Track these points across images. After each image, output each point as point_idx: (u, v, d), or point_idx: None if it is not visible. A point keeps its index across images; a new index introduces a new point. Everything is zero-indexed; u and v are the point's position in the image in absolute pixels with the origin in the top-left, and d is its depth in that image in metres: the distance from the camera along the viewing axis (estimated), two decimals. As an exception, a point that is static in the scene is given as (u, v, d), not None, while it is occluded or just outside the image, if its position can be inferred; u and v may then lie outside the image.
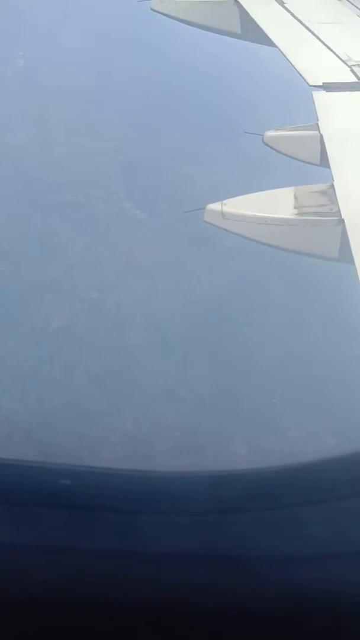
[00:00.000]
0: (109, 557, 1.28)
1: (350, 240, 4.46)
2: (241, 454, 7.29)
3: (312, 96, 5.93)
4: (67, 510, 1.36)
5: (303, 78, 6.19)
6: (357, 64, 6.07)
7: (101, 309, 9.24)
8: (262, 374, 8.39)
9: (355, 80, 5.93)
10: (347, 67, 6.10)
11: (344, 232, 4.60)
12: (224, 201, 5.30)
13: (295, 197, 5.13)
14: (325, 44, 6.43)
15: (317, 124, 5.57)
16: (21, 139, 11.68)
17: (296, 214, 4.98)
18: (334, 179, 4.99)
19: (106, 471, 1.62)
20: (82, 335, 8.93)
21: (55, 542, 1.28)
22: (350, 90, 5.87)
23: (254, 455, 7.01)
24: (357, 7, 7.10)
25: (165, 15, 8.79)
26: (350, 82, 5.94)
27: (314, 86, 6.02)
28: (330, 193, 4.91)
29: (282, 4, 7.46)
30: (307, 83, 6.10)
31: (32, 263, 9.79)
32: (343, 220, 4.64)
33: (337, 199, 4.80)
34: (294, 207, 5.04)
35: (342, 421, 7.34)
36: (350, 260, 4.31)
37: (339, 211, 4.72)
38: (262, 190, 5.59)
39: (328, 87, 5.93)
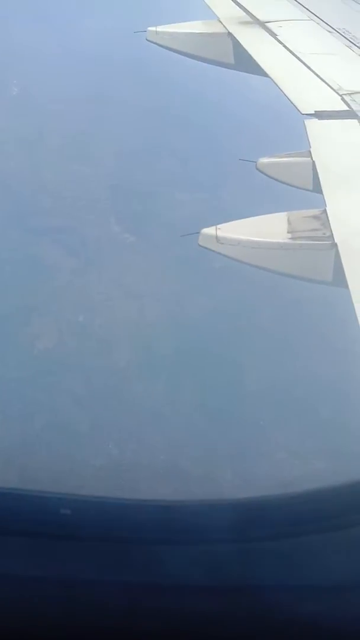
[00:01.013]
0: (95, 586, 1.24)
1: (343, 263, 4.48)
2: (228, 479, 7.21)
3: (304, 124, 6.02)
4: (49, 538, 1.31)
5: (295, 107, 6.29)
6: (348, 93, 6.18)
7: (88, 332, 9.23)
8: (254, 397, 8.35)
9: (347, 108, 6.03)
10: (338, 96, 6.20)
11: (337, 256, 4.63)
12: (219, 226, 5.33)
13: (289, 222, 5.16)
14: (316, 74, 6.54)
15: (310, 151, 5.63)
16: (13, 162, 11.76)
17: (290, 239, 5.01)
18: (327, 204, 5.03)
19: (90, 498, 1.59)
20: (68, 357, 8.89)
21: (38, 571, 1.24)
22: (342, 119, 5.95)
23: (241, 481, 6.93)
24: (346, 38, 7.26)
25: (161, 46, 8.94)
26: (342, 111, 6.03)
27: (306, 114, 6.11)
28: (323, 218, 4.94)
29: (274, 36, 7.62)
30: (300, 112, 6.19)
31: (19, 286, 9.78)
32: (336, 244, 4.66)
33: (329, 224, 4.83)
34: (288, 232, 5.07)
35: (332, 444, 7.30)
36: (344, 284, 4.33)
37: (332, 235, 4.75)
38: (256, 215, 5.64)
39: (320, 115, 6.02)
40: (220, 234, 5.25)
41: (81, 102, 13.04)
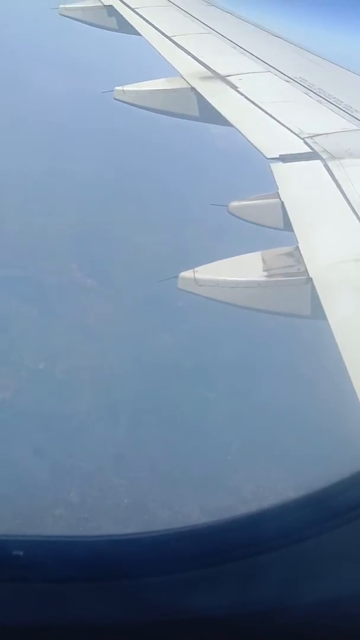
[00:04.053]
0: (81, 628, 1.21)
1: (320, 296, 4.49)
2: (195, 519, 7.01)
3: (270, 167, 6.14)
4: (17, 582, 1.27)
5: (260, 152, 6.43)
6: (310, 136, 6.34)
7: (49, 379, 9.05)
8: (219, 434, 8.23)
9: (309, 150, 6.17)
10: (300, 139, 6.36)
11: (313, 290, 4.64)
12: (196, 268, 5.35)
13: (264, 261, 5.20)
14: (278, 120, 6.72)
15: (278, 192, 5.73)
16: None
17: (266, 276, 5.03)
18: (299, 241, 5.09)
19: (52, 539, 1.53)
20: (28, 405, 8.67)
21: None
22: (305, 160, 6.09)
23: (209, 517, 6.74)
24: (303, 86, 7.51)
25: (128, 103, 9.14)
26: (305, 153, 6.18)
27: (271, 158, 6.24)
28: (296, 254, 4.99)
29: (235, 88, 7.84)
30: (265, 156, 6.32)
31: None
32: (311, 278, 4.69)
33: (303, 260, 4.87)
34: (264, 270, 5.10)
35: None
36: (322, 316, 4.33)
37: (306, 270, 4.78)
38: (231, 256, 5.67)
39: (284, 158, 6.16)
40: (198, 276, 5.26)
41: (47, 156, 13.17)
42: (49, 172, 12.98)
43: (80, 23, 11.30)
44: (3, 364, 9.10)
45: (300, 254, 4.93)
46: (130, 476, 7.68)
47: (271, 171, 6.04)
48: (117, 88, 8.79)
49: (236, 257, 5.53)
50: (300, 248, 5.00)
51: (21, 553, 1.30)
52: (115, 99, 8.96)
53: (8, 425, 8.31)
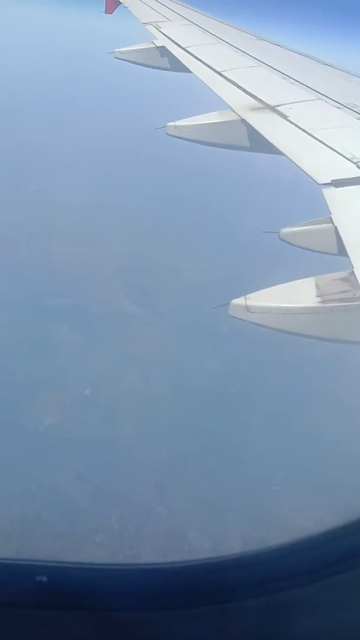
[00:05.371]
0: None
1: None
2: (236, 550, 6.66)
3: (322, 193, 5.97)
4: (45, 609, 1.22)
5: (311, 178, 6.28)
6: (362, 160, 6.16)
7: (94, 405, 9.02)
8: (265, 463, 7.90)
9: (362, 174, 5.98)
10: (352, 163, 6.18)
11: (370, 316, 4.41)
12: (247, 295, 5.22)
13: (318, 286, 5.01)
14: (329, 146, 6.57)
15: (330, 217, 5.55)
16: (21, 246, 12.01)
17: (320, 302, 4.83)
18: (354, 266, 4.87)
19: (92, 567, 1.47)
20: (73, 431, 8.64)
21: None
22: (358, 184, 5.90)
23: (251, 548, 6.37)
24: (355, 111, 7.35)
25: (180, 138, 9.24)
26: (357, 177, 5.99)
27: (323, 184, 6.08)
28: (351, 279, 4.77)
29: (285, 117, 7.77)
30: (316, 182, 6.17)
31: (26, 364, 9.71)
32: (368, 304, 4.46)
33: (359, 284, 4.64)
34: (317, 296, 4.90)
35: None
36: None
37: (362, 296, 4.55)
38: (283, 283, 5.51)
39: (336, 183, 5.98)
40: (250, 303, 5.13)
41: (101, 187, 13.46)
42: (99, 203, 13.28)
43: (135, 65, 11.66)
44: (50, 390, 9.21)
45: (356, 279, 4.70)
46: (172, 504, 7.49)
47: (323, 196, 5.88)
48: (169, 124, 8.91)
49: (289, 283, 5.36)
50: (355, 273, 4.78)
51: (45, 579, 1.24)
52: (167, 134, 9.09)
53: (53, 450, 8.35)
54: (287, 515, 7.22)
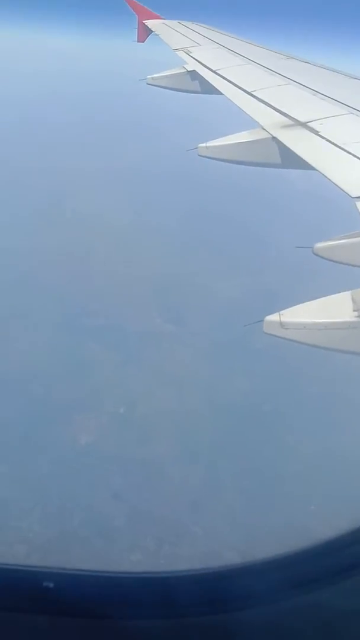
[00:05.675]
0: None
1: None
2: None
3: (356, 206, 5.85)
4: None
5: (345, 192, 6.17)
6: None
7: (129, 423, 8.97)
8: (302, 481, 7.64)
9: None
10: (386, 176, 6.05)
11: None
12: (281, 312, 5.13)
13: (354, 301, 4.88)
14: (361, 159, 6.46)
15: (365, 230, 5.43)
16: (58, 267, 12.18)
17: (357, 317, 4.70)
18: (390, 279, 4.73)
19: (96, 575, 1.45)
20: (109, 450, 8.60)
21: None
22: (393, 196, 5.76)
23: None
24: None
25: (213, 158, 9.27)
26: (392, 189, 5.85)
27: (357, 197, 5.96)
28: (388, 292, 4.63)
29: (316, 133, 7.70)
30: (349, 195, 6.06)
31: (63, 383, 9.78)
32: None
33: None
34: (354, 310, 4.77)
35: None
36: None
37: None
38: (318, 298, 5.39)
39: (371, 196, 5.85)
40: (284, 319, 5.04)
41: (134, 209, 13.64)
42: (133, 224, 13.45)
43: (167, 90, 11.87)
44: (86, 409, 9.27)
45: (393, 292, 4.56)
46: (207, 524, 7.35)
47: (357, 209, 5.75)
48: (200, 145, 8.96)
49: (324, 298, 5.24)
50: (392, 286, 4.64)
51: (51, 585, 1.23)
52: (199, 155, 9.14)
53: (89, 468, 8.36)
54: (325, 535, 6.94)
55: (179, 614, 1.22)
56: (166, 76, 11.92)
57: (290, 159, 7.85)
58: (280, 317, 5.06)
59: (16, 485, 8.02)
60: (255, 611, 1.23)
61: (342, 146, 7.08)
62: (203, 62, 11.30)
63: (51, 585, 1.23)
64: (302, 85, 9.10)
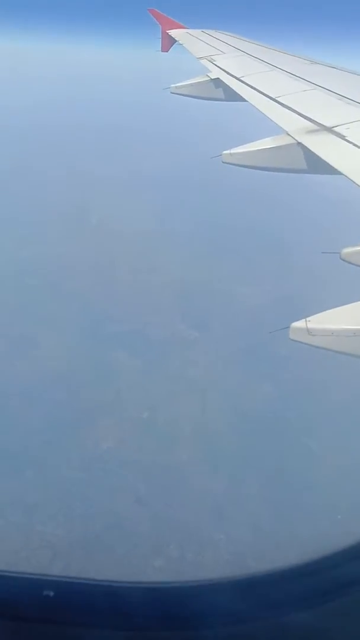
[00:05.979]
0: None
1: None
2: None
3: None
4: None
5: (372, 196, 6.06)
6: None
7: (151, 429, 8.92)
8: (330, 491, 7.46)
9: None
10: None
11: None
12: (308, 318, 5.04)
13: (382, 307, 4.76)
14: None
15: (394, 235, 5.31)
16: (83, 273, 12.21)
17: (386, 323, 4.58)
18: None
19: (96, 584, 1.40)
20: (131, 455, 8.55)
21: None
22: None
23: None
24: None
25: (237, 165, 9.22)
26: None
27: (385, 201, 5.85)
28: None
29: (342, 137, 7.59)
30: (377, 200, 5.94)
31: (86, 388, 9.79)
32: None
33: None
34: (383, 316, 4.65)
35: None
36: None
37: None
38: (346, 304, 5.28)
39: None
40: (311, 325, 4.94)
41: (158, 216, 13.67)
42: (158, 231, 13.47)
43: (191, 98, 11.88)
44: (109, 414, 9.28)
45: None
46: (230, 531, 7.24)
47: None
48: (224, 152, 8.92)
49: (352, 304, 5.13)
50: None
51: (51, 593, 1.21)
52: (223, 162, 9.10)
53: (112, 473, 8.33)
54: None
55: (180, 626, 1.19)
56: (190, 84, 11.94)
57: (316, 164, 7.75)
58: (307, 324, 4.96)
59: (40, 490, 8.04)
60: (256, 624, 1.22)
61: (369, 150, 6.96)
62: (227, 70, 11.28)
63: (51, 594, 1.21)
64: (327, 90, 9.00)
